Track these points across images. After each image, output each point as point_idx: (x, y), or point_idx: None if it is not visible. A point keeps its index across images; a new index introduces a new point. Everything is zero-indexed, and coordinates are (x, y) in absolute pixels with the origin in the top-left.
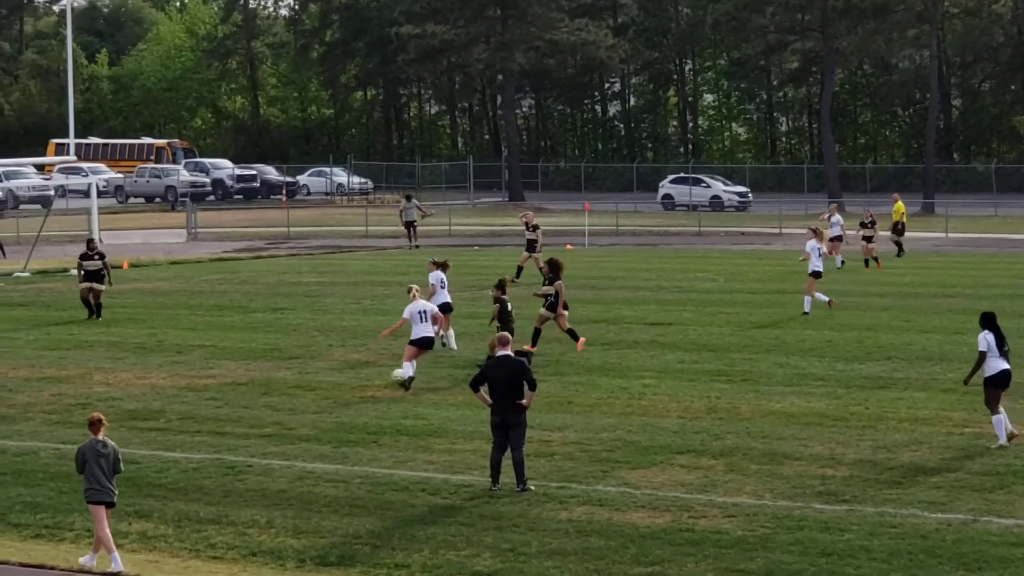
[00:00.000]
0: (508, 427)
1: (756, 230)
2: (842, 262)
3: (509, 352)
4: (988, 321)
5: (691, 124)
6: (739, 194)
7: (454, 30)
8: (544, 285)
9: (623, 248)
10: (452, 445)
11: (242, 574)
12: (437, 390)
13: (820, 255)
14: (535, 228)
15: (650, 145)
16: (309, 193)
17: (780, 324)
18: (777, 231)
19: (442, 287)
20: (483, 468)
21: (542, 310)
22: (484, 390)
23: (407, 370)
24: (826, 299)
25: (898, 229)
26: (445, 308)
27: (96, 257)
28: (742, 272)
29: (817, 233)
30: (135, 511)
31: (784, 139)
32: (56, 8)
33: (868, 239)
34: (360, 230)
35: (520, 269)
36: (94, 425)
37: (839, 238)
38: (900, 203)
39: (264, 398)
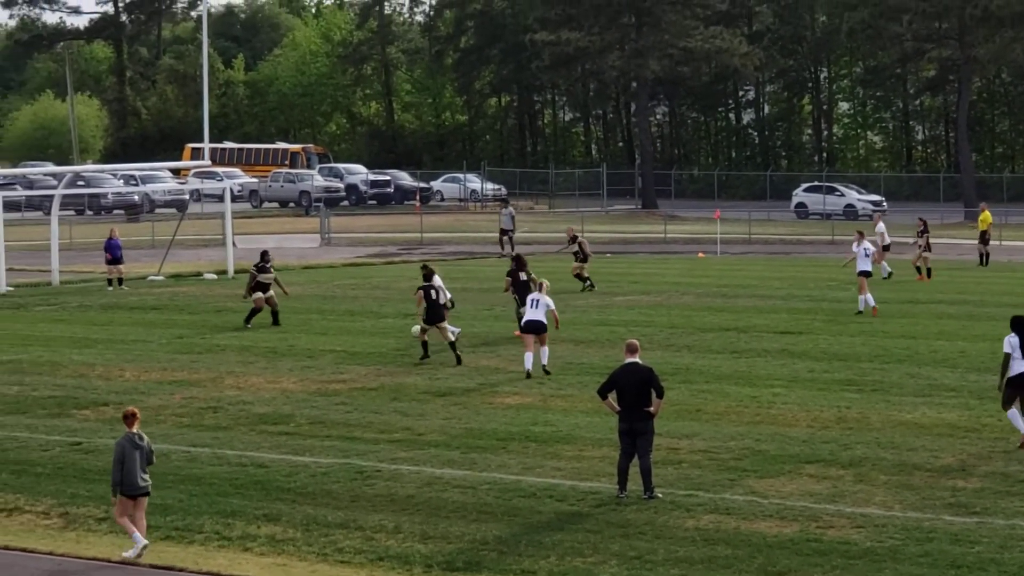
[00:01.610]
0: (636, 434)
1: (891, 239)
2: (889, 272)
3: (637, 359)
4: (1018, 325)
5: (826, 132)
6: (873, 203)
7: (588, 37)
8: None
9: (755, 256)
10: (580, 452)
11: None
12: (566, 397)
13: (867, 255)
14: (575, 239)
15: (784, 153)
16: (443, 199)
17: (912, 334)
18: (911, 241)
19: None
20: (611, 475)
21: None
22: (612, 397)
23: (527, 361)
24: (872, 304)
25: (985, 239)
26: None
27: (271, 269)
28: (874, 281)
29: (862, 235)
30: (264, 515)
31: (920, 148)
32: (193, 14)
33: (923, 247)
34: (493, 236)
35: (581, 278)
36: (128, 419)
37: (886, 247)
38: (987, 213)
39: (394, 403)
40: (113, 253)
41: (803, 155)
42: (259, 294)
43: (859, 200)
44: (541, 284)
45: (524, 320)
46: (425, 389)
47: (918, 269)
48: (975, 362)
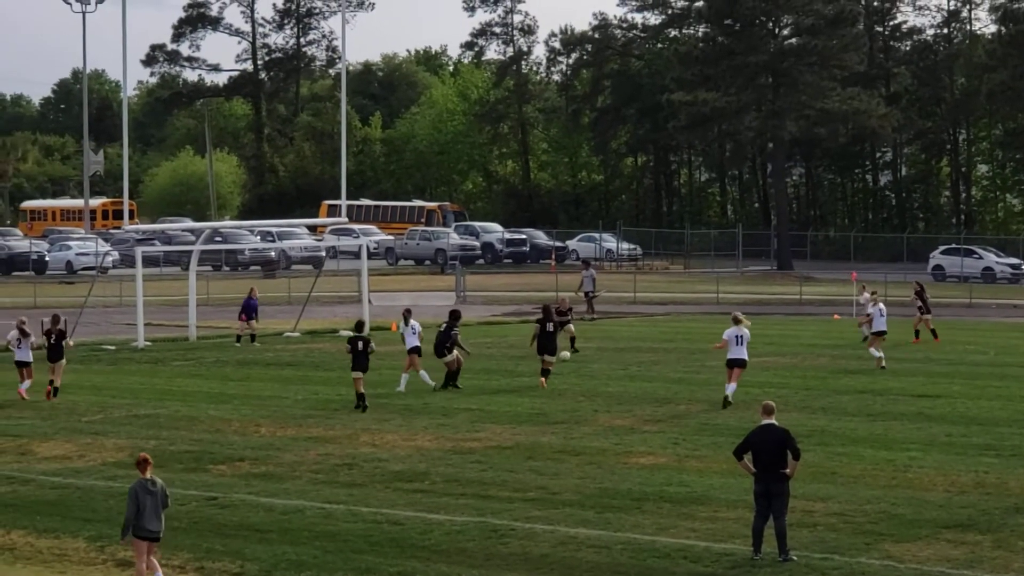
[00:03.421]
0: (771, 496)
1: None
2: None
3: (773, 420)
4: None
5: (964, 194)
6: (1012, 266)
7: (725, 98)
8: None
9: (891, 319)
10: (715, 513)
11: None
12: (701, 457)
13: (882, 315)
14: (566, 312)
15: (921, 215)
16: (578, 258)
17: None
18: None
19: (413, 333)
20: (745, 537)
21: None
22: (748, 458)
23: (728, 390)
24: (880, 355)
25: None
26: (415, 351)
27: (456, 327)
28: (1014, 346)
29: (875, 295)
30: (398, 572)
31: None
32: (331, 71)
33: (919, 309)
34: (628, 296)
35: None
36: (141, 464)
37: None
38: None
39: (529, 462)
40: (247, 311)
41: (941, 217)
42: (450, 356)
43: (997, 263)
44: (736, 317)
45: (731, 357)
46: (560, 448)
47: (916, 332)
48: None
